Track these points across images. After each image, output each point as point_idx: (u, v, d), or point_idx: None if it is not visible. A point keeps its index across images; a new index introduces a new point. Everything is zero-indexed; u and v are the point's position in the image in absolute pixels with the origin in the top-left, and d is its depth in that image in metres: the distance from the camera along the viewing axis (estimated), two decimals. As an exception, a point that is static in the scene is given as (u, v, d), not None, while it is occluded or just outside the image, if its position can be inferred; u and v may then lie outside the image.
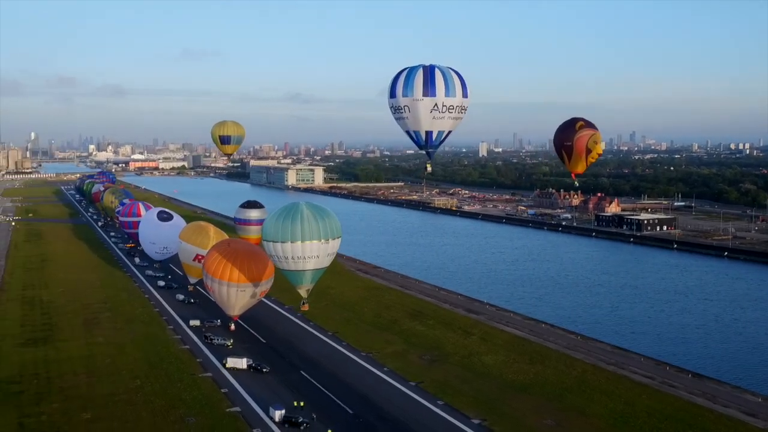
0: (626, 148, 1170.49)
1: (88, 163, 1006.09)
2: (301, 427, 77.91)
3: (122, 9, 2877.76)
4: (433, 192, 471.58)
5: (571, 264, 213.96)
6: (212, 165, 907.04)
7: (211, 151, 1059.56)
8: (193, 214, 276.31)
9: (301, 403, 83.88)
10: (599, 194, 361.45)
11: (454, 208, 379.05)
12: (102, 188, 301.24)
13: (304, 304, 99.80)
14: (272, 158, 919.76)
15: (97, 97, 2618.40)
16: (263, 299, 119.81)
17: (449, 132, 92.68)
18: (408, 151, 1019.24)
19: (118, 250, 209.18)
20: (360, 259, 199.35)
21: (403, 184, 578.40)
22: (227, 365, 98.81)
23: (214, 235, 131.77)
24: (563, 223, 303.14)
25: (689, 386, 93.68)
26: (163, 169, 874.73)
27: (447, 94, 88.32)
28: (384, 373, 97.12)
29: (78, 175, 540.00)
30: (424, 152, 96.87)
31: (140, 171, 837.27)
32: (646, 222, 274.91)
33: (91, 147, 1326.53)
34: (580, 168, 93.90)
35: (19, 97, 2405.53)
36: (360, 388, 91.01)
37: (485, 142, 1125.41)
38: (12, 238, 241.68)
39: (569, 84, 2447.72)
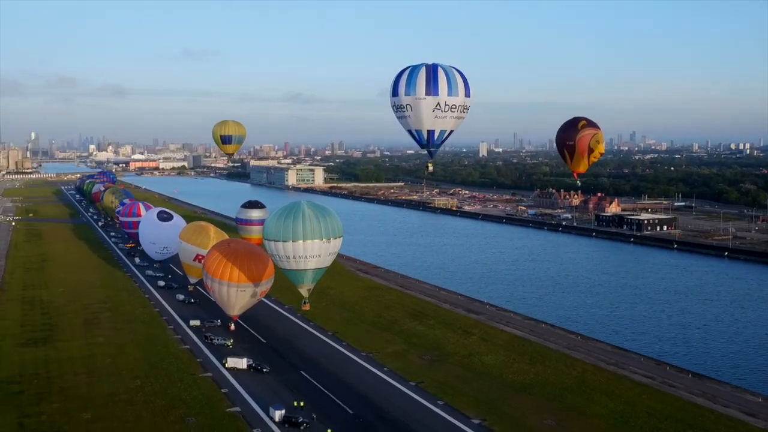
0: (626, 148, 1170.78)
1: (89, 163, 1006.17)
2: (301, 427, 77.90)
3: (122, 9, 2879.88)
4: (434, 192, 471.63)
5: (571, 264, 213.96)
6: (212, 165, 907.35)
7: (212, 151, 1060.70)
8: (193, 214, 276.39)
9: (301, 403, 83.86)
10: (599, 194, 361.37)
11: (454, 208, 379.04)
12: (102, 188, 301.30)
13: (305, 303, 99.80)
14: (272, 158, 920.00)
15: (97, 97, 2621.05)
16: (263, 299, 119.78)
17: (451, 131, 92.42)
18: (408, 151, 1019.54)
19: (118, 250, 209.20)
20: (360, 259, 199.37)
21: (403, 184, 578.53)
22: (227, 365, 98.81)
23: (214, 235, 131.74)
24: (563, 223, 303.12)
25: (689, 386, 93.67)
26: (163, 169, 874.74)
27: (449, 93, 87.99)
28: (384, 373, 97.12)
29: (78, 175, 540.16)
30: (424, 152, 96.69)
31: (140, 171, 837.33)
32: (646, 222, 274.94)
33: (92, 147, 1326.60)
34: (582, 167, 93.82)
35: (19, 97, 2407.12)
36: (360, 388, 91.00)
37: (485, 142, 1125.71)
38: (12, 238, 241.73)
39: (569, 84, 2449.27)
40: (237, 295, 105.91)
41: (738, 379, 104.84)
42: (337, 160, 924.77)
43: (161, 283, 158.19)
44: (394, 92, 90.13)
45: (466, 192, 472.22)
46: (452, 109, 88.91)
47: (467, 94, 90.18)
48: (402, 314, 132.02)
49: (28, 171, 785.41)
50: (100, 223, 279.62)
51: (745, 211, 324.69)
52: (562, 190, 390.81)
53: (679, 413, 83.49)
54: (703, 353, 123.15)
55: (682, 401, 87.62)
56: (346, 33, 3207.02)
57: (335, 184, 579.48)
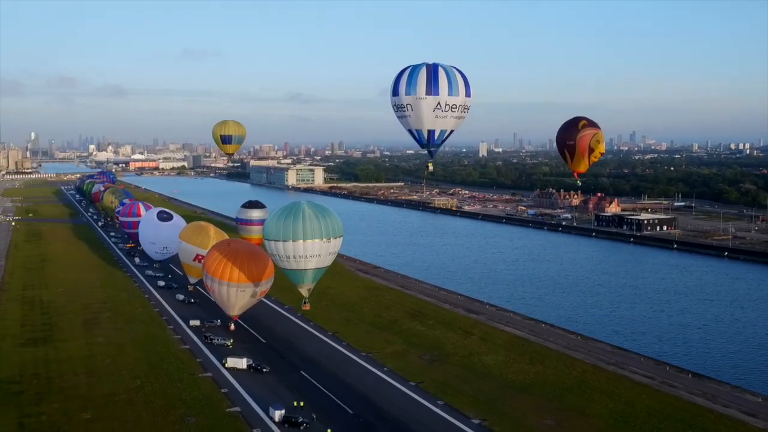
0: (626, 148, 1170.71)
1: (88, 163, 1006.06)
2: (301, 427, 77.90)
3: (122, 9, 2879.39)
4: (433, 192, 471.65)
5: (571, 264, 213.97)
6: (212, 165, 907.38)
7: (211, 151, 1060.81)
8: (193, 214, 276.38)
9: (301, 403, 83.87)
10: (599, 194, 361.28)
11: (454, 208, 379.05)
12: (102, 188, 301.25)
13: (305, 303, 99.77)
14: (272, 158, 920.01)
15: (97, 97, 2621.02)
16: (263, 299, 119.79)
17: (451, 131, 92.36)
18: (408, 151, 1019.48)
19: (118, 250, 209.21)
20: (360, 259, 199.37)
21: (403, 184, 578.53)
22: (227, 365, 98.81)
23: (214, 235, 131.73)
24: (563, 223, 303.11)
25: (689, 386, 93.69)
26: (163, 169, 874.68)
27: (450, 93, 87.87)
28: (384, 373, 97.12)
29: (78, 175, 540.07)
30: (424, 151, 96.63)
31: (140, 171, 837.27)
32: (646, 222, 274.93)
33: (91, 147, 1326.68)
34: (583, 167, 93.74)
35: (19, 97, 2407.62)
36: (360, 388, 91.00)
37: (485, 142, 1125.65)
38: (12, 238, 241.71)
39: (569, 84, 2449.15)
40: (237, 295, 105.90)
41: (738, 379, 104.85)
42: (337, 160, 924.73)
43: (161, 283, 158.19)
44: (395, 92, 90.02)
45: (466, 192, 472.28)
46: (453, 109, 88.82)
47: (468, 94, 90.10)
48: (402, 314, 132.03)
49: (28, 171, 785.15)
50: (99, 223, 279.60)
51: (744, 211, 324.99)
52: (561, 190, 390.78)
53: (679, 413, 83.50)
54: (702, 353, 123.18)
55: (681, 401, 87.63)
56: (346, 33, 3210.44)
57: (335, 184, 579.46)
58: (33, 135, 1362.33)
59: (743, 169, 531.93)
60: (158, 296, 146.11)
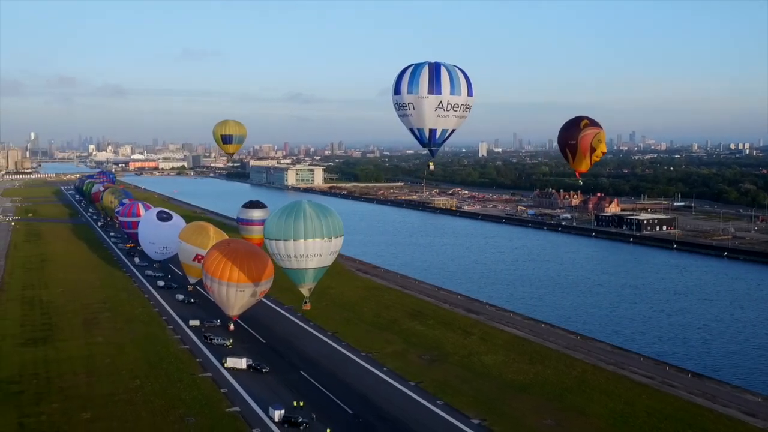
0: (626, 148, 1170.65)
1: (88, 163, 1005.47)
2: (301, 427, 77.89)
3: (122, 9, 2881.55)
4: (433, 192, 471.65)
5: (570, 264, 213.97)
6: (212, 165, 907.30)
7: (211, 151, 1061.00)
8: (192, 214, 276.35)
9: (301, 403, 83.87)
10: (599, 194, 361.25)
11: (453, 208, 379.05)
12: (102, 188, 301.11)
13: (306, 303, 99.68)
14: (272, 158, 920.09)
15: (97, 97, 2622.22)
16: (263, 299, 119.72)
17: (453, 130, 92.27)
18: (408, 151, 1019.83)
19: (117, 250, 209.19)
20: (360, 259, 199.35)
21: (402, 184, 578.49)
22: (227, 365, 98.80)
23: (214, 235, 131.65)
24: (563, 223, 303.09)
25: (689, 386, 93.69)
26: (162, 169, 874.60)
27: (452, 92, 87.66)
28: (384, 372, 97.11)
29: (78, 175, 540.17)
30: (424, 152, 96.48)
31: (140, 171, 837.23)
32: (645, 222, 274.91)
33: (91, 147, 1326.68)
34: (584, 167, 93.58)
35: (19, 97, 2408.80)
36: (360, 388, 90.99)
37: (485, 142, 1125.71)
38: (12, 238, 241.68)
39: (569, 84, 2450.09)
40: (236, 295, 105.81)
41: (737, 379, 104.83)
42: (337, 160, 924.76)
43: (161, 283, 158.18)
44: (397, 90, 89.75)
45: (466, 192, 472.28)
46: (455, 108, 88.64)
47: (470, 94, 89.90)
48: (401, 314, 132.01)
49: (28, 171, 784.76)
50: (99, 223, 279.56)
51: (741, 210, 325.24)
52: (561, 190, 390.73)
53: (679, 413, 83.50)
54: (702, 353, 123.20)
55: (681, 401, 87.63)
56: (346, 33, 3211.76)
57: (335, 184, 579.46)
58: (33, 135, 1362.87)
59: (743, 169, 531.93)
60: (158, 296, 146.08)
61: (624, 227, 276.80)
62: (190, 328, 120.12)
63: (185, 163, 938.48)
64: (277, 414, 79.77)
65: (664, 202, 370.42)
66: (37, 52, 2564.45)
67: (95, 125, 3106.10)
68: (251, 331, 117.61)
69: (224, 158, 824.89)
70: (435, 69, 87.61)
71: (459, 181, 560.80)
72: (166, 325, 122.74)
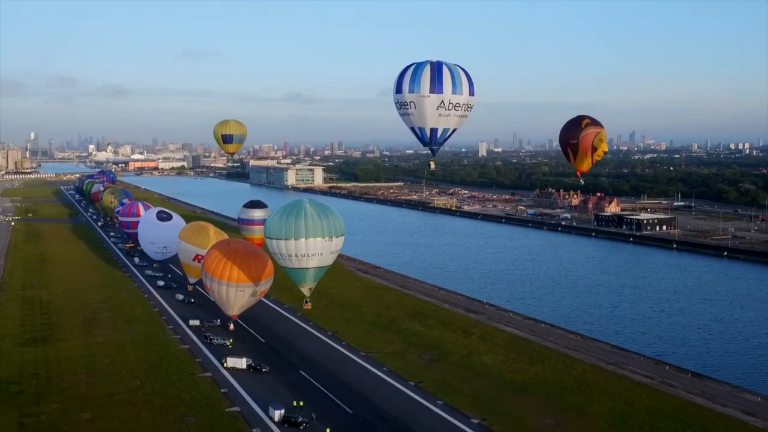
0: (626, 148, 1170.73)
1: (88, 163, 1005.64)
2: (301, 427, 77.90)
3: (122, 9, 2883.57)
4: (433, 192, 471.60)
5: (570, 264, 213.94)
6: (212, 165, 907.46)
7: (211, 151, 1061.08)
8: (192, 214, 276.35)
9: (301, 403, 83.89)
10: (599, 194, 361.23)
11: (453, 208, 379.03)
12: (101, 188, 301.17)
13: (306, 302, 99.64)
14: (272, 158, 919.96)
15: (97, 97, 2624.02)
16: (263, 299, 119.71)
17: (454, 130, 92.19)
18: (408, 151, 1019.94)
19: (117, 250, 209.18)
20: (360, 259, 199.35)
21: (402, 184, 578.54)
22: (227, 365, 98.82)
23: (214, 235, 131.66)
24: (563, 223, 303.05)
25: (689, 386, 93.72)
26: (162, 169, 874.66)
27: (454, 92, 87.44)
28: (383, 372, 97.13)
29: (77, 175, 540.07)
30: (424, 152, 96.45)
31: (140, 171, 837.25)
32: (645, 222, 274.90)
33: (91, 147, 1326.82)
34: (586, 166, 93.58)
35: (19, 97, 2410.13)
36: (359, 388, 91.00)
37: (485, 142, 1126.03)
38: (11, 238, 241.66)
39: (569, 84, 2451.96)
40: (236, 294, 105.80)
41: (737, 379, 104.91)
42: (337, 160, 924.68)
43: (161, 283, 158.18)
44: (398, 89, 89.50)
45: (466, 192, 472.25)
46: (456, 108, 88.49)
47: (471, 93, 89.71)
48: (401, 314, 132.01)
49: (28, 171, 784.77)
50: (99, 223, 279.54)
51: (740, 210, 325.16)
52: (561, 190, 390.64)
53: (679, 413, 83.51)
54: (702, 353, 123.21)
55: (681, 401, 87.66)
56: (346, 33, 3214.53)
57: (335, 184, 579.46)
58: (33, 135, 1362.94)
59: (743, 169, 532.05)
60: (158, 296, 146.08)
61: (624, 227, 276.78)
62: (190, 328, 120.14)
63: (185, 163, 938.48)
64: (277, 414, 79.79)
65: (663, 202, 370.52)
66: (37, 52, 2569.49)
67: (95, 125, 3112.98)
68: (251, 330, 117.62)
69: (224, 158, 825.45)
70: (437, 68, 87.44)
71: (459, 181, 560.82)
72: (166, 325, 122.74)
